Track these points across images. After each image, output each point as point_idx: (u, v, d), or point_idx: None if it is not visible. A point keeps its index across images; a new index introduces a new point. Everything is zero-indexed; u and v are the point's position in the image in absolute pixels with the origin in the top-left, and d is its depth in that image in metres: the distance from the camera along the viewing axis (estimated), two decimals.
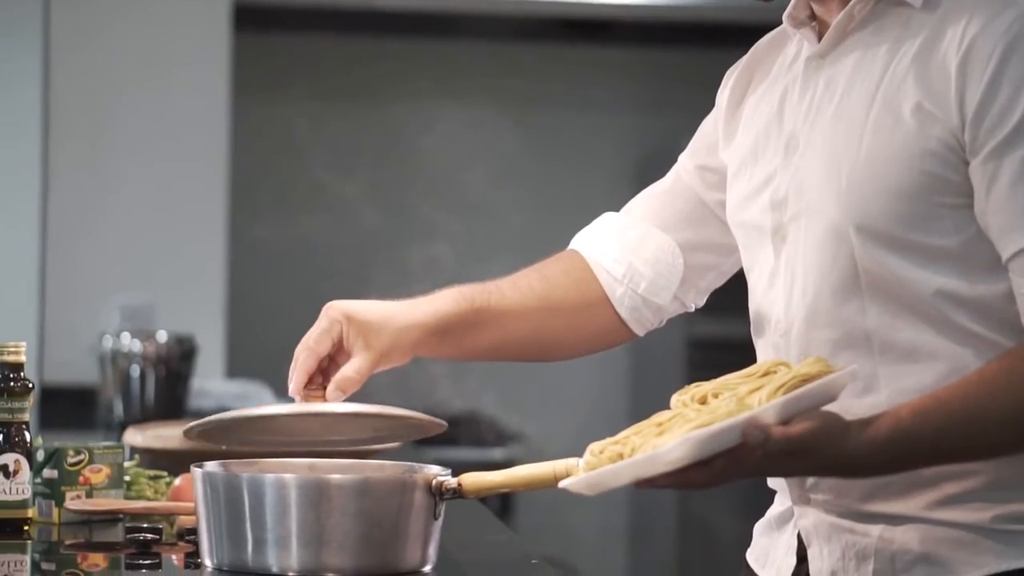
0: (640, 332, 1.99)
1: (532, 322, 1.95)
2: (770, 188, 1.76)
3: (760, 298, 1.79)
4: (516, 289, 1.95)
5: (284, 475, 1.73)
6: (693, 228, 1.94)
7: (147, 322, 4.47)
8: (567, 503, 5.42)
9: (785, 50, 1.84)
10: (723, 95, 1.91)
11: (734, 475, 1.54)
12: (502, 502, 5.09)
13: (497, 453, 5.25)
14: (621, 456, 1.54)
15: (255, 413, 1.83)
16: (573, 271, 1.98)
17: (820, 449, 1.54)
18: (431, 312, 1.90)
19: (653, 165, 5.44)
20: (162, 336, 4.09)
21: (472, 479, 1.76)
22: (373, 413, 1.79)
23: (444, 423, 1.83)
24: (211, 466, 1.79)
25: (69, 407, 4.29)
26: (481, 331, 1.93)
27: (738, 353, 2.03)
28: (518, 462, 1.86)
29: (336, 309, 1.86)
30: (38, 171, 4.67)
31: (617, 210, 2.01)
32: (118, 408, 4.04)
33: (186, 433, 1.82)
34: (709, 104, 1.95)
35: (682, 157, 1.97)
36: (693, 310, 2.00)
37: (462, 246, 5.79)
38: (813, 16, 1.78)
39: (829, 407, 1.58)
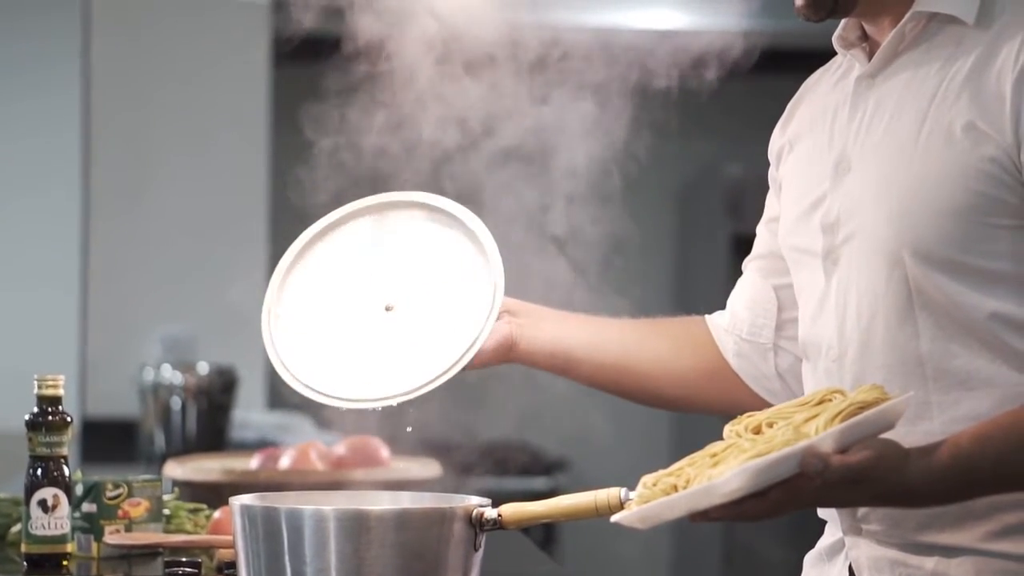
0: (765, 396, 1.90)
1: (635, 335, 1.93)
2: (820, 210, 1.72)
3: (809, 323, 1.75)
4: (619, 319, 1.96)
5: (323, 507, 1.70)
6: (777, 277, 1.87)
7: (188, 354, 4.46)
8: (612, 532, 5.35)
9: (831, 71, 1.81)
10: (775, 133, 1.88)
11: (791, 506, 1.50)
12: (545, 531, 5.05)
13: (540, 483, 5.22)
14: (675, 488, 1.51)
15: None
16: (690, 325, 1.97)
17: (880, 478, 1.50)
18: None
19: (694, 191, 5.45)
20: (203, 368, 4.08)
21: (512, 510, 1.73)
22: None
23: None
24: (249, 499, 1.76)
25: (111, 440, 4.29)
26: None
27: None
28: (562, 491, 1.83)
29: None
30: (79, 203, 4.68)
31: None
32: (159, 440, 4.03)
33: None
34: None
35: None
36: None
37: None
38: (863, 37, 1.74)
39: (886, 435, 1.54)
